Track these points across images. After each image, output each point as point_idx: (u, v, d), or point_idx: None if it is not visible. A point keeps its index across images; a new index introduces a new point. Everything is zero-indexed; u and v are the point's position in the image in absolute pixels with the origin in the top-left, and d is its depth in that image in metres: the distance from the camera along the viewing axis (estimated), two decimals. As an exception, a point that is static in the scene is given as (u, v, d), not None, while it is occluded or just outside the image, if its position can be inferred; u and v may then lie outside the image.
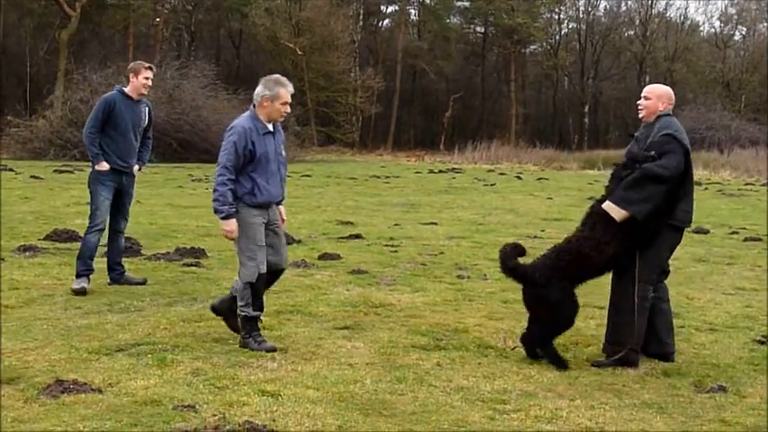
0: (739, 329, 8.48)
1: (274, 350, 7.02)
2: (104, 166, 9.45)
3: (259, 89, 7.41)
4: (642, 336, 7.14)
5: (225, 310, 7.50)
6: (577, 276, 7.12)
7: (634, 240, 7.00)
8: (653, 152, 6.99)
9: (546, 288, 7.00)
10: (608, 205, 6.97)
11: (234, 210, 7.14)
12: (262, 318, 7.46)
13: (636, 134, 7.48)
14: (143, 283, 9.72)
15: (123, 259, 11.35)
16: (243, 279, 7.24)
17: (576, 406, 5.97)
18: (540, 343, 7.06)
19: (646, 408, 6.00)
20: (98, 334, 7.43)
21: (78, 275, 9.29)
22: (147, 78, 9.69)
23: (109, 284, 9.61)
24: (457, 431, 5.43)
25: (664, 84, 8.01)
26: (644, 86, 7.88)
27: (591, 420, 5.69)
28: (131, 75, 9.68)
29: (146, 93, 9.82)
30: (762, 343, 7.90)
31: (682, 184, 7.11)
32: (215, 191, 7.17)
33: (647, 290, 7.15)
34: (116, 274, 9.77)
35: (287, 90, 7.41)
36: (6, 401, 5.59)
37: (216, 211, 7.19)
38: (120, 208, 9.76)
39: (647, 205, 6.86)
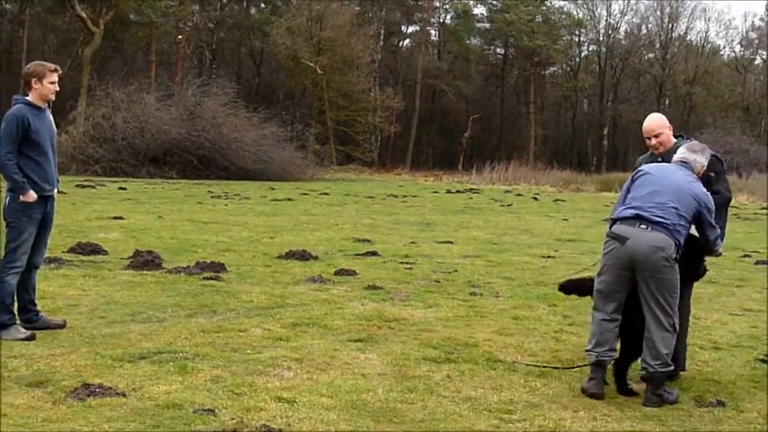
0: (743, 348, 8.68)
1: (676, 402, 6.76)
2: (32, 196, 7.96)
3: (701, 159, 7.15)
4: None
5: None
6: None
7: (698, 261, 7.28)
8: (711, 173, 7.27)
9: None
10: None
11: None
12: None
13: (660, 160, 7.62)
14: (63, 325, 8.28)
15: (144, 272, 11.74)
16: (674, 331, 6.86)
17: (579, 417, 6.21)
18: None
19: (646, 420, 6.23)
20: (121, 342, 7.71)
21: (5, 326, 7.90)
22: (53, 83, 8.13)
23: (26, 328, 8.04)
24: (464, 438, 5.69)
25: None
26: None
27: (593, 431, 5.93)
28: (33, 80, 8.06)
29: (53, 99, 8.27)
30: (764, 362, 8.09)
31: None
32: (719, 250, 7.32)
33: (689, 307, 7.54)
34: (32, 314, 8.30)
35: None
36: (36, 403, 5.89)
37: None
38: (40, 239, 8.29)
39: (718, 230, 7.17)
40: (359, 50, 63.83)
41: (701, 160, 7.14)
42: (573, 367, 7.52)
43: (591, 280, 7.39)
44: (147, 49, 65.29)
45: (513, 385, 6.95)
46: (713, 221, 7.03)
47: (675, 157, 7.21)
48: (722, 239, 7.50)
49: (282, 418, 5.81)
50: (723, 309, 10.94)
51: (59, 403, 5.90)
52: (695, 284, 7.81)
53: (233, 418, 5.72)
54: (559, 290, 7.93)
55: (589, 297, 7.35)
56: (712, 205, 6.97)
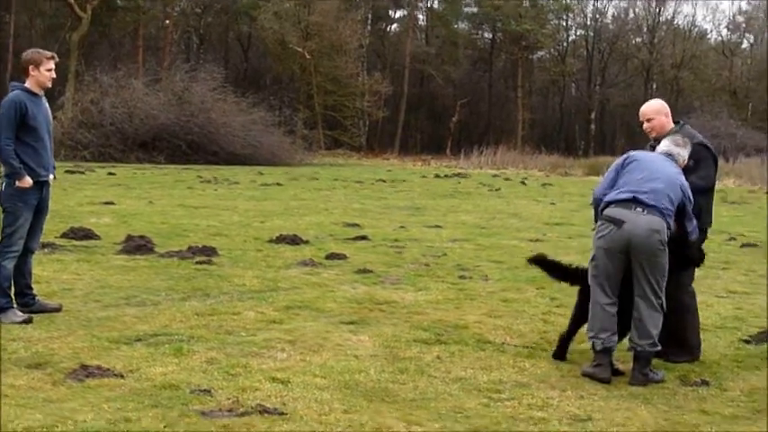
0: (727, 330, 8.87)
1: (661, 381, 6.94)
2: (28, 181, 8.03)
3: (684, 153, 7.35)
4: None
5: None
6: None
7: (685, 249, 7.45)
8: (691, 161, 7.43)
9: None
10: None
11: None
12: None
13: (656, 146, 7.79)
14: (59, 309, 8.41)
15: (137, 256, 11.85)
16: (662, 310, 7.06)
17: (566, 396, 6.36)
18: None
19: (632, 398, 6.40)
20: (117, 325, 7.84)
21: (2, 310, 7.97)
22: (49, 70, 8.20)
23: (22, 311, 8.11)
24: (454, 417, 5.81)
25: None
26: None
27: (579, 409, 6.08)
28: (31, 67, 8.14)
29: (50, 86, 8.37)
30: (747, 342, 8.29)
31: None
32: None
33: (691, 289, 7.81)
34: (29, 298, 8.40)
35: None
36: (36, 384, 6.02)
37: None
38: (36, 224, 8.40)
39: (695, 221, 7.34)
40: (347, 35, 63.75)
41: (684, 154, 7.37)
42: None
43: (568, 268, 7.86)
44: (134, 34, 65.08)
45: (502, 366, 7.10)
46: (691, 213, 7.25)
47: (660, 150, 7.40)
48: (710, 224, 7.74)
49: (277, 397, 5.94)
50: (709, 291, 11.09)
51: (59, 384, 6.03)
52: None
53: (229, 398, 5.86)
54: (529, 261, 8.33)
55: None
56: (692, 197, 7.19)
